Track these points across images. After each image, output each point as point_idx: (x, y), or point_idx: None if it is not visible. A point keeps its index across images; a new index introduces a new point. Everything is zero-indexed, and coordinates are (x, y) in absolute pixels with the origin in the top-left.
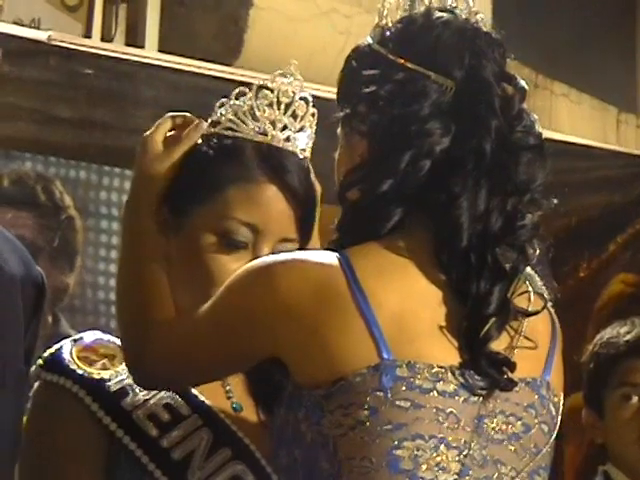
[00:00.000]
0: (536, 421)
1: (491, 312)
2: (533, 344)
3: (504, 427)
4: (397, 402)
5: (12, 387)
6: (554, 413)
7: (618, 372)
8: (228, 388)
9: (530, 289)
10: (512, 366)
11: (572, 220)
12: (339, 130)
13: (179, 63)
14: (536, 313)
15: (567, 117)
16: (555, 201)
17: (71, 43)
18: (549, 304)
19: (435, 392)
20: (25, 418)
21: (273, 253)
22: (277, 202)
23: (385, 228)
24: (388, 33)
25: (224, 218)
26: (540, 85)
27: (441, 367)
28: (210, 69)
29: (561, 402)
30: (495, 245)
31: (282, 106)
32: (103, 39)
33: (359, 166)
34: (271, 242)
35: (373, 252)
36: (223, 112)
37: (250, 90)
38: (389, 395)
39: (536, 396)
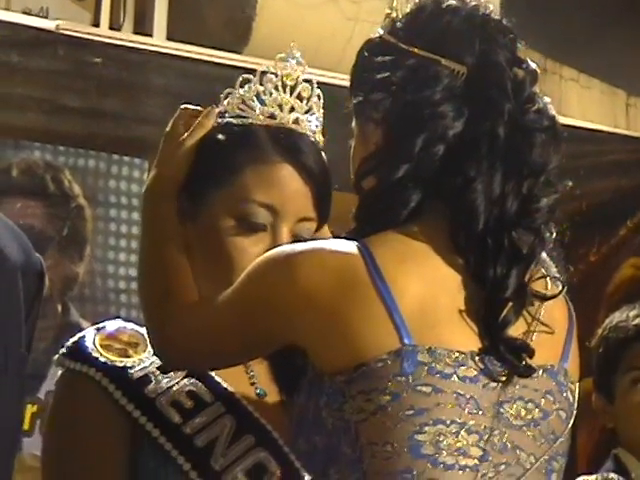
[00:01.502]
0: (554, 407)
1: (508, 296)
2: (550, 330)
3: (523, 413)
4: (418, 387)
5: (15, 372)
6: (571, 400)
7: (628, 356)
8: (252, 374)
9: (546, 274)
10: (531, 352)
11: (582, 205)
12: (353, 122)
13: (188, 51)
14: (553, 297)
15: (577, 102)
16: (570, 183)
17: (79, 32)
18: (564, 291)
19: (456, 377)
20: (27, 405)
21: (293, 234)
22: (293, 181)
23: (403, 215)
24: (398, 24)
25: (241, 201)
26: (549, 70)
27: (461, 353)
28: (219, 57)
29: (577, 390)
30: (511, 229)
31: (287, 88)
32: (111, 28)
33: (374, 153)
34: (290, 222)
35: (392, 240)
36: (230, 101)
37: (254, 77)
38: (410, 380)
39: (554, 383)
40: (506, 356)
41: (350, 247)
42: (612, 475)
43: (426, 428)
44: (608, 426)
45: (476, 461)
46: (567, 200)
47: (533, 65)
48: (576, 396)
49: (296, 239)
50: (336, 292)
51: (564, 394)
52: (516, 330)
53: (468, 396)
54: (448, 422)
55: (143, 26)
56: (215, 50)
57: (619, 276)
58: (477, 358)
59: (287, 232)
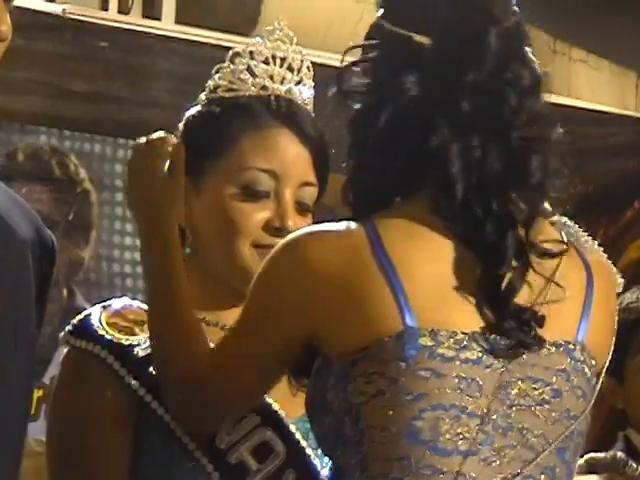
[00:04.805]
0: (568, 386)
1: (506, 263)
2: (564, 297)
3: (531, 393)
4: (418, 372)
5: (24, 350)
6: (589, 376)
7: (638, 337)
8: None
9: (562, 237)
10: (540, 321)
11: (589, 187)
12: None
13: (195, 35)
14: (560, 254)
15: (586, 83)
16: (560, 130)
17: (86, 16)
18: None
19: (458, 360)
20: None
21: (296, 199)
22: (291, 146)
23: (392, 190)
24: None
25: (242, 169)
26: (558, 51)
27: (465, 334)
28: (226, 40)
29: (601, 364)
30: (501, 191)
31: (277, 60)
32: (120, 11)
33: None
34: (292, 187)
35: (398, 219)
36: (221, 76)
37: (244, 51)
38: (411, 364)
39: (569, 359)
40: (512, 330)
41: (356, 228)
42: (620, 454)
43: (425, 414)
44: (618, 407)
45: (478, 445)
46: (574, 182)
47: (518, 17)
48: (598, 371)
49: (298, 204)
50: (343, 273)
51: (581, 370)
52: (523, 296)
53: (470, 379)
54: (448, 406)
55: (152, 10)
56: (223, 33)
57: (627, 258)
58: (481, 338)
59: (290, 196)
